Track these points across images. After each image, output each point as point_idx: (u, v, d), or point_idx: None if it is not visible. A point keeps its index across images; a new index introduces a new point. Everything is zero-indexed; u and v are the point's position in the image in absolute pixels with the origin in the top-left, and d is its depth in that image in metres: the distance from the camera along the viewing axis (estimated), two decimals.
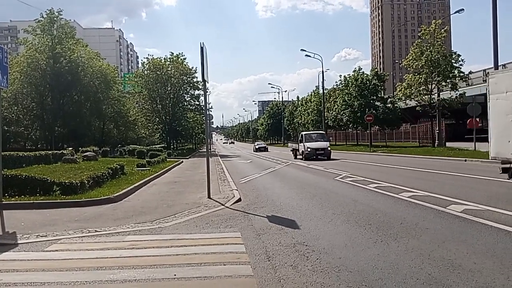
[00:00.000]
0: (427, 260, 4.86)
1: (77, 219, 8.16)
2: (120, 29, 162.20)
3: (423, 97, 34.56)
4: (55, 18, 38.96)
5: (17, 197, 10.01)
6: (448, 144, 34.20)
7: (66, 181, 10.95)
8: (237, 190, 12.03)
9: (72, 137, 40.96)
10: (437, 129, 35.03)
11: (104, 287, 4.35)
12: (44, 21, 38.71)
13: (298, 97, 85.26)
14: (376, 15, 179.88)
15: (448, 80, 33.37)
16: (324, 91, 56.85)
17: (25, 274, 4.81)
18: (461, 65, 34.10)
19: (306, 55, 55.85)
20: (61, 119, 39.56)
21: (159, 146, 50.49)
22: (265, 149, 50.33)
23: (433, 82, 34.02)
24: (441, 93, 34.78)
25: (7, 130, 37.53)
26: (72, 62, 38.32)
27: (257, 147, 54.80)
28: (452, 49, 53.84)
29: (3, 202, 9.31)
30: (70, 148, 28.61)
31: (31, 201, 9.67)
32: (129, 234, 6.85)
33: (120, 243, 6.23)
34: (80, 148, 28.60)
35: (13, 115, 38.82)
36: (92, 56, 42.72)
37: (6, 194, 9.85)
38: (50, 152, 23.66)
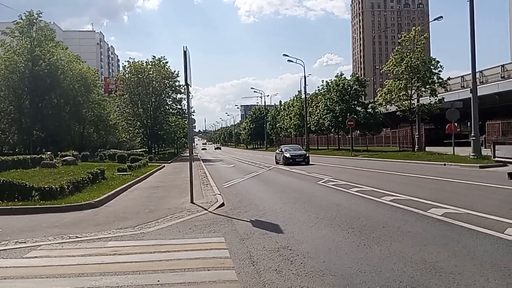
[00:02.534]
0: (409, 263, 4.93)
1: (57, 225, 8.00)
2: (101, 32, 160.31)
3: (403, 102, 35.07)
4: (34, 20, 38.25)
5: None
6: (427, 148, 34.77)
7: (45, 186, 10.74)
8: (220, 194, 11.99)
9: (51, 141, 40.18)
10: (416, 133, 35.57)
11: None
12: (23, 23, 37.98)
13: (280, 102, 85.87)
14: (357, 21, 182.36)
15: (427, 86, 33.95)
16: (306, 96, 57.28)
17: (4, 281, 4.69)
18: (440, 71, 34.74)
19: (289, 60, 56.25)
20: (39, 122, 38.79)
21: (140, 150, 49.96)
22: (304, 160, 26.77)
23: (413, 88, 34.56)
24: (420, 99, 35.37)
25: None
26: (51, 65, 37.68)
27: (289, 154, 27.38)
28: (431, 55, 54.94)
29: None
30: (49, 153, 28.10)
31: (9, 207, 9.46)
32: (111, 240, 6.75)
33: (101, 249, 6.12)
34: (59, 153, 28.11)
35: None
36: (72, 59, 42.13)
37: None
38: (28, 156, 23.17)
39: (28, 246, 6.36)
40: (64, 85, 39.21)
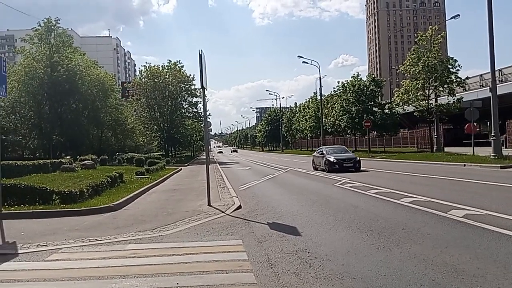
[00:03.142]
0: (430, 265, 4.85)
1: (77, 228, 8.12)
2: (117, 38, 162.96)
3: (421, 102, 34.63)
4: (52, 27, 39.02)
5: (16, 206, 9.98)
6: (446, 149, 34.24)
7: (66, 190, 10.91)
8: (237, 197, 12.01)
9: (70, 145, 40.87)
10: (435, 134, 35.07)
11: None
12: (42, 29, 38.77)
13: (296, 104, 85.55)
14: (372, 21, 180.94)
15: (445, 86, 33.47)
16: (322, 97, 57.00)
17: (26, 284, 4.78)
18: (458, 70, 34.24)
19: (304, 62, 56.02)
20: (59, 127, 39.50)
21: (157, 153, 50.48)
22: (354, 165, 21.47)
23: (430, 88, 34.11)
24: (438, 98, 34.89)
25: (4, 139, 37.42)
26: (69, 71, 38.37)
27: (334, 158, 21.77)
28: (448, 54, 54.20)
29: (3, 212, 9.27)
30: (68, 157, 28.58)
31: (31, 210, 9.64)
32: (130, 243, 6.82)
33: (121, 252, 6.19)
34: (78, 157, 28.54)
35: (10, 124, 38.74)
36: (90, 64, 42.80)
37: (5, 204, 9.81)
38: (48, 161, 23.59)
39: (49, 249, 6.46)
40: (82, 90, 39.86)
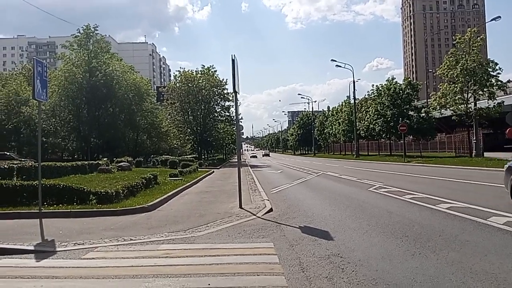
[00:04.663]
0: (468, 274, 4.66)
1: (112, 228, 8.31)
2: (153, 43, 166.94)
3: (459, 106, 33.58)
4: (91, 34, 40.39)
5: (55, 206, 10.31)
6: (486, 154, 33.00)
7: (102, 191, 11.20)
8: (268, 200, 11.98)
9: (107, 148, 42.09)
10: (474, 138, 33.88)
11: None
12: (81, 36, 40.19)
13: (328, 107, 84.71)
14: (408, 24, 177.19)
15: (485, 89, 32.30)
16: (356, 101, 56.22)
17: (64, 281, 4.92)
18: (498, 73, 33.00)
19: (337, 66, 55.56)
20: (96, 130, 40.75)
21: (190, 156, 51.12)
22: None
23: (469, 91, 33.03)
24: (478, 102, 33.71)
25: (45, 141, 39.02)
26: (107, 76, 39.54)
27: None
28: (488, 57, 52.31)
29: (43, 211, 9.60)
30: (105, 159, 29.40)
31: (69, 210, 9.94)
32: (163, 243, 6.91)
33: (154, 252, 6.29)
34: (114, 159, 29.31)
35: (51, 127, 40.30)
36: (126, 69, 43.95)
37: (45, 203, 10.16)
38: (86, 162, 24.35)
39: (86, 248, 6.64)
40: (119, 94, 40.96)
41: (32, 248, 6.61)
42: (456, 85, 33.01)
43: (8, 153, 36.09)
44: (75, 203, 10.55)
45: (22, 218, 9.17)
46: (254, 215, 9.46)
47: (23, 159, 30.73)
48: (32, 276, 5.14)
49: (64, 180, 13.87)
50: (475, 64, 32.17)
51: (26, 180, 12.39)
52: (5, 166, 15.59)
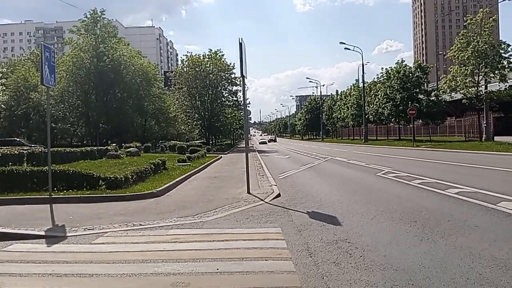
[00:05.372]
0: (477, 259, 4.65)
1: (122, 213, 8.39)
2: (160, 27, 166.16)
3: (470, 89, 33.15)
4: (98, 18, 40.21)
5: (65, 191, 10.41)
6: (496, 138, 32.67)
7: (111, 176, 11.29)
8: (276, 185, 12.00)
9: (115, 133, 42.29)
10: (484, 122, 33.50)
11: (149, 279, 4.43)
12: (88, 21, 40.04)
13: (337, 91, 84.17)
14: (418, 5, 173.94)
15: (496, 72, 31.82)
16: (365, 85, 55.72)
17: (75, 265, 4.99)
18: (510, 55, 32.42)
19: (346, 48, 55.05)
20: (105, 116, 40.91)
21: (198, 141, 51.31)
22: None
23: (480, 74, 32.56)
24: (488, 85, 33.23)
25: (54, 127, 39.34)
26: (114, 61, 39.50)
27: None
28: (500, 38, 51.36)
29: (53, 196, 9.71)
30: (114, 144, 29.56)
31: (79, 195, 10.04)
32: (172, 228, 6.97)
33: (163, 237, 6.35)
34: (123, 144, 29.45)
35: (60, 112, 40.54)
36: (134, 54, 43.84)
37: (55, 188, 10.25)
38: (95, 148, 24.50)
39: (96, 233, 6.72)
40: (127, 79, 40.97)
41: (43, 233, 6.70)
42: (466, 68, 32.58)
43: (18, 139, 36.44)
44: (84, 189, 10.65)
45: (33, 204, 9.28)
46: (262, 200, 9.49)
47: (33, 145, 30.99)
48: (44, 260, 5.22)
49: (73, 166, 13.99)
50: (486, 46, 31.65)
51: (36, 166, 12.49)
52: (15, 152, 15.74)
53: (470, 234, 5.77)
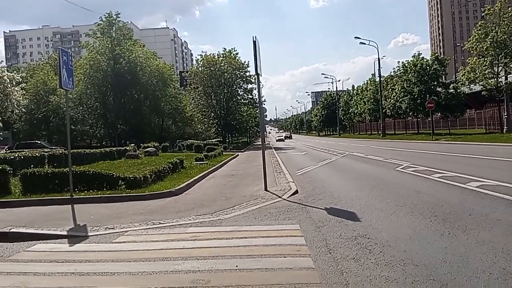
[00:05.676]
0: (500, 253, 4.55)
1: (141, 212, 8.50)
2: (174, 28, 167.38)
3: (489, 80, 32.50)
4: (113, 21, 40.77)
5: (86, 191, 10.59)
6: None
7: (130, 176, 11.44)
8: (293, 182, 11.97)
9: (133, 134, 42.84)
10: (505, 114, 32.81)
11: (169, 277, 4.48)
12: (104, 24, 40.62)
13: (353, 86, 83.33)
14: None
15: None
16: (381, 79, 55.09)
17: (96, 264, 5.08)
18: None
19: (361, 43, 54.39)
20: (122, 117, 41.46)
21: (215, 140, 51.54)
22: None
23: (499, 65, 31.89)
24: (509, 76, 32.50)
25: (74, 129, 40.08)
26: (131, 62, 39.98)
27: None
28: None
29: (74, 197, 9.89)
30: (132, 145, 29.99)
31: (99, 195, 10.20)
32: (191, 226, 7.03)
33: (183, 235, 6.40)
34: (141, 144, 29.83)
35: (78, 114, 41.27)
36: (149, 55, 44.30)
37: (76, 189, 10.45)
38: (114, 148, 24.85)
39: (116, 232, 6.82)
40: (143, 80, 41.43)
41: (65, 233, 6.84)
42: (485, 59, 31.95)
43: (38, 142, 37.21)
44: (105, 189, 10.81)
45: (55, 204, 9.46)
46: (280, 197, 9.48)
47: (53, 147, 31.64)
48: (66, 260, 5.33)
49: (93, 167, 14.22)
50: (505, 36, 30.97)
51: (57, 168, 12.74)
52: (37, 154, 16.09)
53: (492, 228, 5.66)
